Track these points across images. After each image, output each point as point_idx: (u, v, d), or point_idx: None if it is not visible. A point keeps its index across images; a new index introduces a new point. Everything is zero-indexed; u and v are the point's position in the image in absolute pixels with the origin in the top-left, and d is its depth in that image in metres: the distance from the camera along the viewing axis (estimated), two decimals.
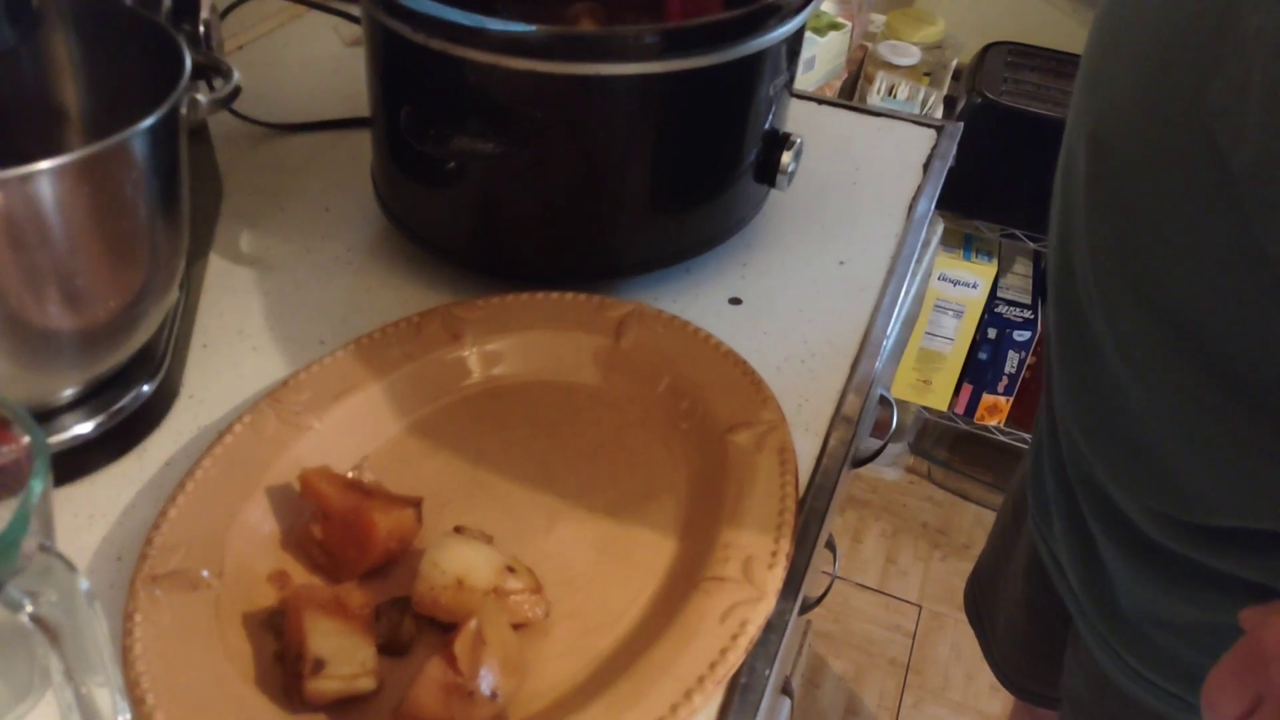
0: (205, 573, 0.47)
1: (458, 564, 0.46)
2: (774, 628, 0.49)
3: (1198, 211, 0.45)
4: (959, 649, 1.61)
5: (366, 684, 0.44)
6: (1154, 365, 0.51)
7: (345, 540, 0.48)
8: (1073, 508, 0.64)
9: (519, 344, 0.62)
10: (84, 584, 0.37)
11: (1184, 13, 0.45)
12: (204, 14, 0.63)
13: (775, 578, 0.48)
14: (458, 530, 0.49)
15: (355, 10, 0.97)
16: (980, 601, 0.93)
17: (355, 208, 0.77)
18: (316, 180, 0.80)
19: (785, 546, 0.50)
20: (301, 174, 0.80)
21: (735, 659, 0.45)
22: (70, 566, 0.37)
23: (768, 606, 0.47)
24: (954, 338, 1.69)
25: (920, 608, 1.68)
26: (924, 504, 1.87)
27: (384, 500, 0.49)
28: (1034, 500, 0.72)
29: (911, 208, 0.81)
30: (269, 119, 0.84)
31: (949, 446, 1.94)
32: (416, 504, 0.50)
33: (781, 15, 0.61)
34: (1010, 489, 0.90)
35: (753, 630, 0.46)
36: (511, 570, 0.47)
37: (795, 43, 0.66)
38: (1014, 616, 0.86)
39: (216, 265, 0.71)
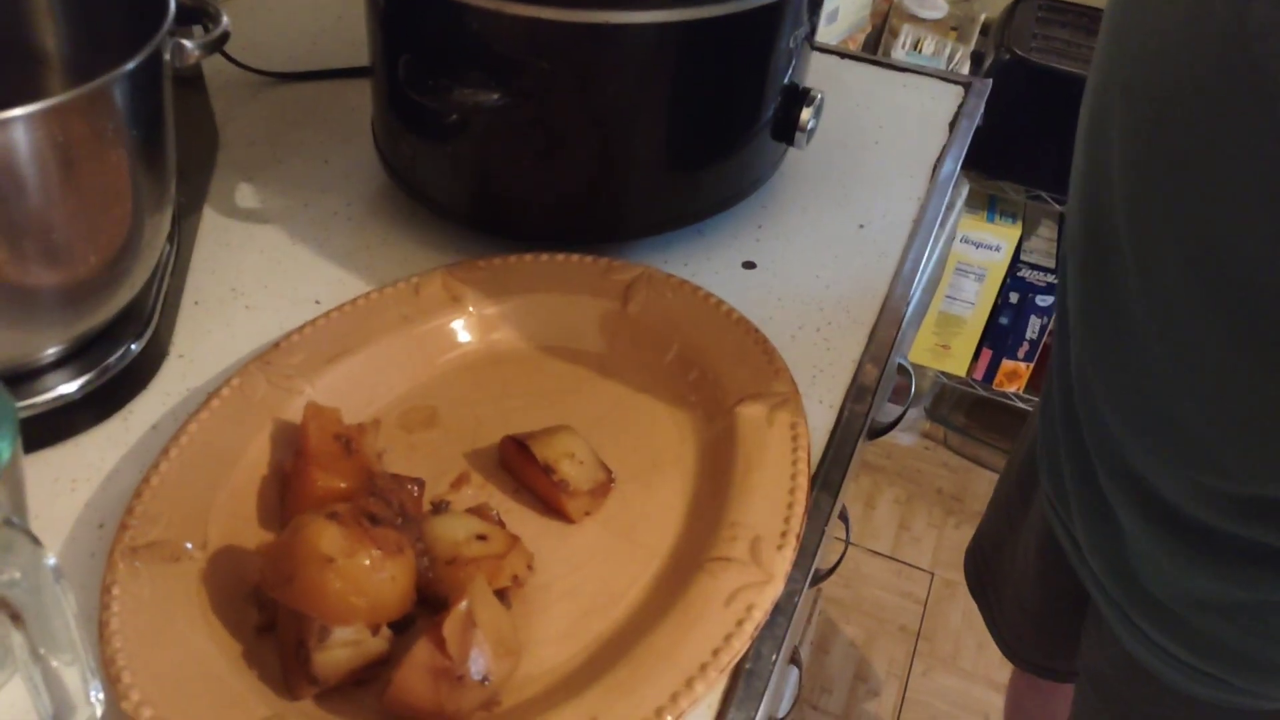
0: (189, 544, 0.45)
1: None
2: (782, 610, 0.47)
3: (1245, 151, 0.41)
4: (971, 617, 1.59)
5: (378, 645, 0.42)
6: (1192, 324, 0.47)
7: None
8: (1094, 491, 0.61)
9: (521, 308, 0.59)
10: (50, 561, 0.35)
11: None
12: None
13: (784, 559, 0.46)
14: (435, 507, 0.47)
15: None
16: (983, 573, 0.90)
17: (355, 161, 0.74)
18: (316, 132, 0.77)
19: (795, 526, 0.47)
20: (301, 125, 0.77)
21: (740, 646, 0.43)
22: (35, 542, 0.35)
23: (775, 590, 0.45)
24: (975, 302, 1.65)
25: (933, 575, 1.66)
26: (939, 470, 1.85)
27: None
28: (1049, 482, 0.69)
29: (936, 169, 0.78)
30: (269, 67, 0.81)
31: (966, 412, 1.91)
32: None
33: None
34: (1014, 457, 0.86)
35: (759, 615, 0.44)
36: (482, 538, 0.45)
37: None
38: (1024, 591, 0.83)
39: (210, 219, 0.68)
